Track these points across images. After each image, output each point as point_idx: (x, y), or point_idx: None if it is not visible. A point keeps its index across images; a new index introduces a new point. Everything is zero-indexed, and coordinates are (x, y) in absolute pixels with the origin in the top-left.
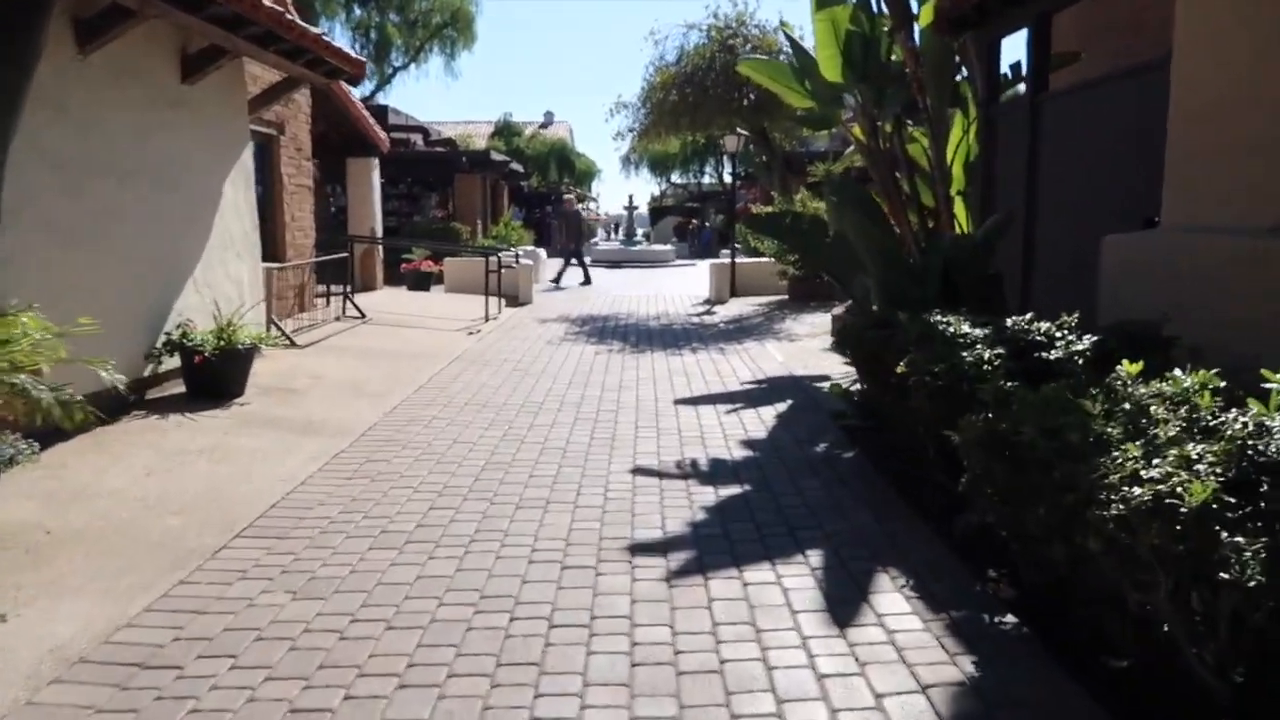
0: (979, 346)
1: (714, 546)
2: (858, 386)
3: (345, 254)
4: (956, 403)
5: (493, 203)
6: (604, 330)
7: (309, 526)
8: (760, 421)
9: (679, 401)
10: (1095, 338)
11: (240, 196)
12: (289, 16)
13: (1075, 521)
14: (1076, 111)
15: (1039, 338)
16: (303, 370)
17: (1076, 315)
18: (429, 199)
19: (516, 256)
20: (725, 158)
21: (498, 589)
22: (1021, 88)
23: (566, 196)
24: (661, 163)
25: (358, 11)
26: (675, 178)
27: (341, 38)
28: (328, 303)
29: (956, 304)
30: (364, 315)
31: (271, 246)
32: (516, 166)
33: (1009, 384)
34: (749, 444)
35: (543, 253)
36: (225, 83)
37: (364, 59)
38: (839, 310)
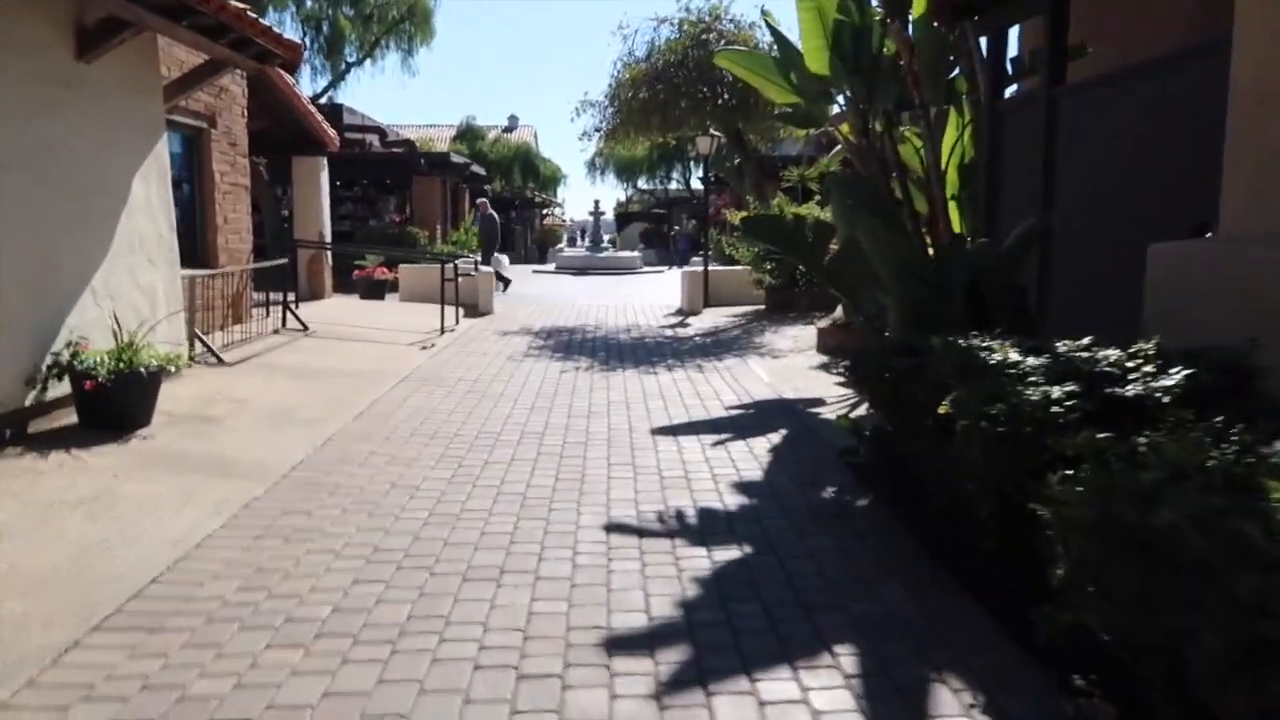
0: (1038, 380)
1: (715, 641)
2: (862, 410)
3: (284, 260)
4: (1022, 454)
5: (453, 207)
6: (571, 344)
7: (193, 612)
8: (752, 457)
9: (657, 431)
10: (1184, 370)
11: (153, 194)
12: None
13: (1275, 663)
14: (1102, 106)
15: (1107, 368)
16: (226, 393)
17: (1155, 341)
18: (386, 202)
19: (475, 263)
20: (694, 161)
21: (431, 713)
22: (1015, 85)
23: (480, 200)
24: (628, 168)
25: (309, 3)
26: (642, 183)
27: (291, 30)
28: (267, 314)
29: (986, 323)
30: (306, 328)
31: (200, 252)
32: (478, 169)
33: (1098, 433)
34: (742, 487)
35: (505, 259)
36: (134, 63)
37: (299, 42)
38: (824, 323)
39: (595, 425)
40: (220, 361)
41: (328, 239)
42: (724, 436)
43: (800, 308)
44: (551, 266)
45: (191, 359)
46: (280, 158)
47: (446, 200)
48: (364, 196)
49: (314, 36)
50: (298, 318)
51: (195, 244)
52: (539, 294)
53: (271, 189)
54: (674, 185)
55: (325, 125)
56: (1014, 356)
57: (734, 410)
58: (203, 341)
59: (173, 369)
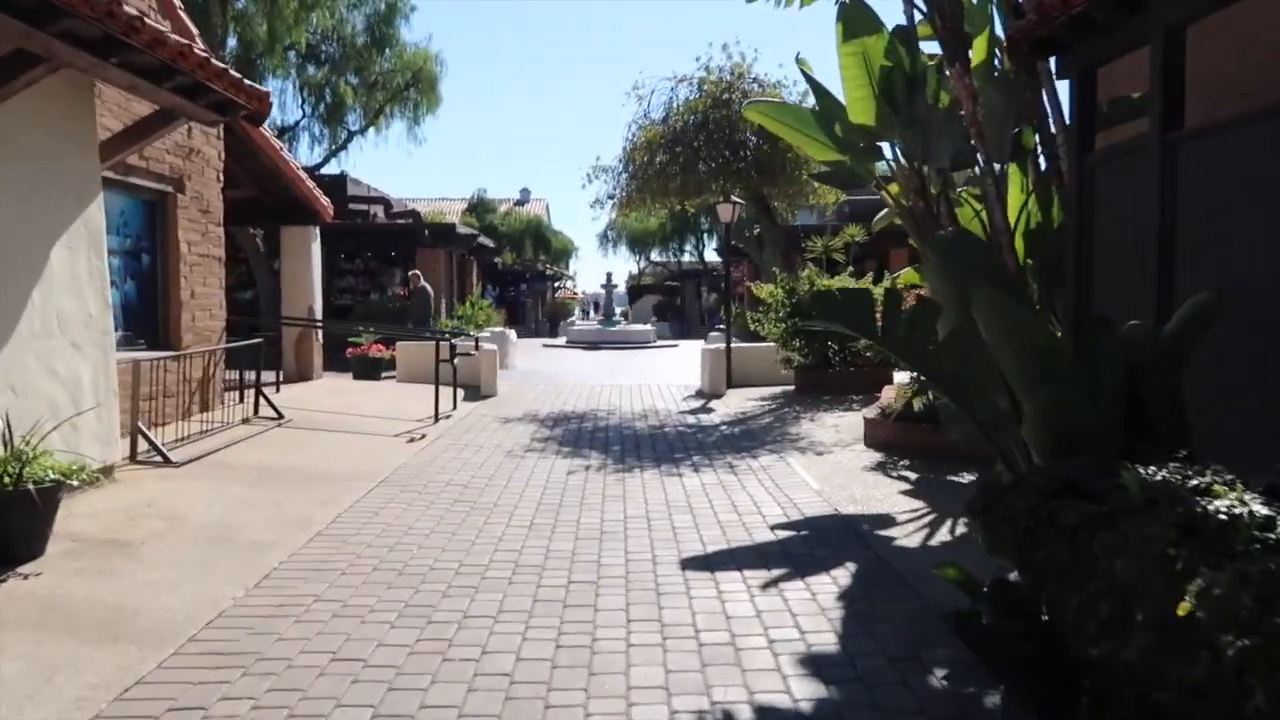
0: None
1: None
2: (946, 532)
3: (257, 340)
4: None
5: (460, 280)
6: (580, 435)
7: None
8: (819, 610)
9: (688, 564)
10: None
11: (81, 266)
12: (143, 20)
13: None
14: (1249, 151)
15: None
16: (160, 506)
17: None
18: (390, 275)
19: (476, 341)
20: (708, 233)
21: None
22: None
23: (412, 273)
24: (641, 240)
25: (310, 69)
26: (655, 255)
27: (292, 99)
28: (240, 399)
29: (1148, 438)
30: (281, 416)
31: (162, 331)
32: (486, 241)
33: None
34: (815, 667)
35: (513, 334)
36: (62, 112)
37: (265, 90)
38: (871, 411)
39: (609, 554)
40: (166, 461)
41: (318, 314)
42: (776, 574)
43: (833, 390)
44: (562, 340)
45: (135, 458)
46: (270, 227)
47: (452, 273)
48: (366, 269)
49: (314, 104)
50: (271, 405)
51: (156, 322)
52: (549, 371)
53: (268, 261)
54: (687, 257)
55: (318, 193)
56: (1258, 510)
57: (782, 531)
58: (147, 438)
59: (75, 482)
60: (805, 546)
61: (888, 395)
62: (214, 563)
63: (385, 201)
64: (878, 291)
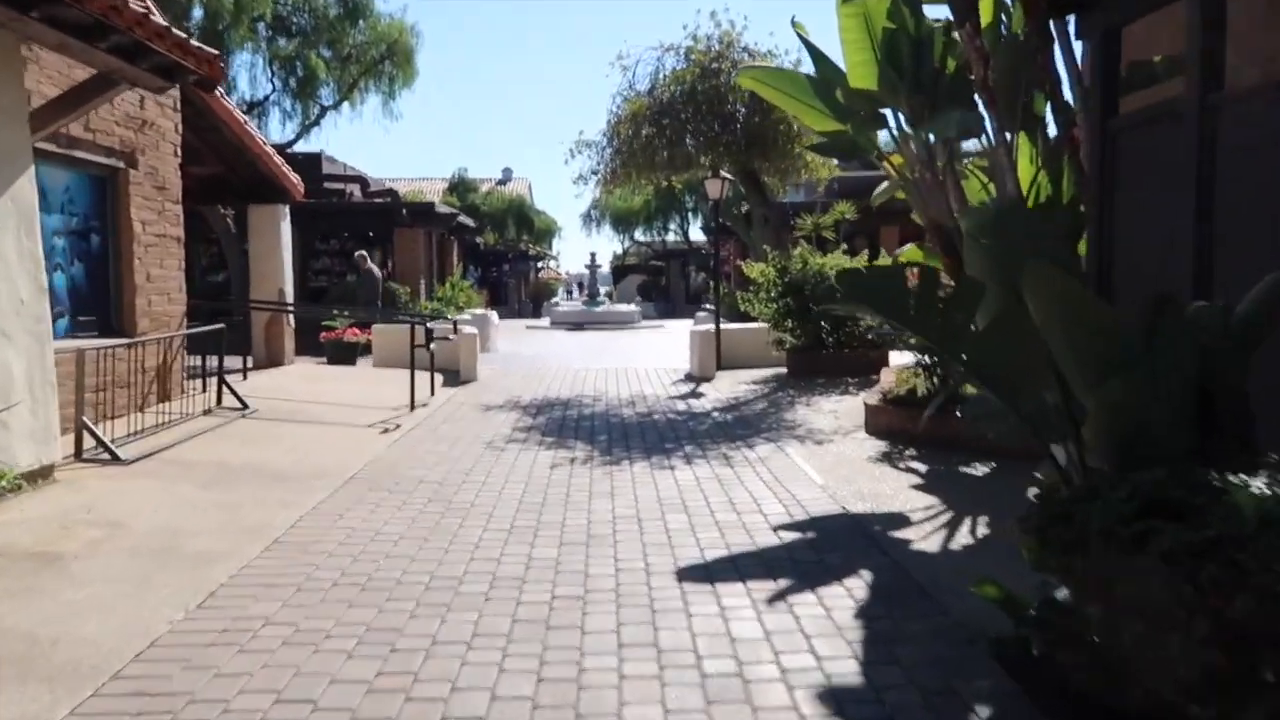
0: None
1: None
2: (966, 534)
3: (219, 325)
4: None
5: (440, 261)
6: (564, 423)
7: None
8: (835, 630)
9: (685, 574)
10: None
11: (9, 246)
12: None
13: None
14: None
15: None
16: (100, 511)
17: None
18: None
19: (455, 324)
20: (692, 212)
21: None
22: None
23: (359, 254)
24: (625, 219)
25: (281, 42)
26: (639, 235)
27: (261, 73)
28: (203, 388)
29: (1214, 434)
30: (246, 406)
31: (115, 317)
32: (466, 220)
33: None
34: (837, 705)
35: (494, 316)
36: None
37: (215, 52)
38: (871, 397)
39: (598, 563)
40: (115, 459)
41: (289, 297)
42: (783, 585)
43: (828, 372)
44: (546, 321)
45: (80, 456)
46: (239, 207)
47: (432, 253)
48: (342, 250)
49: (285, 78)
50: (235, 394)
51: (107, 307)
52: (532, 354)
53: (240, 242)
54: (672, 236)
55: (286, 170)
56: None
57: (786, 533)
58: (93, 434)
59: (4, 485)
60: (813, 551)
61: (887, 379)
62: (154, 578)
63: (362, 180)
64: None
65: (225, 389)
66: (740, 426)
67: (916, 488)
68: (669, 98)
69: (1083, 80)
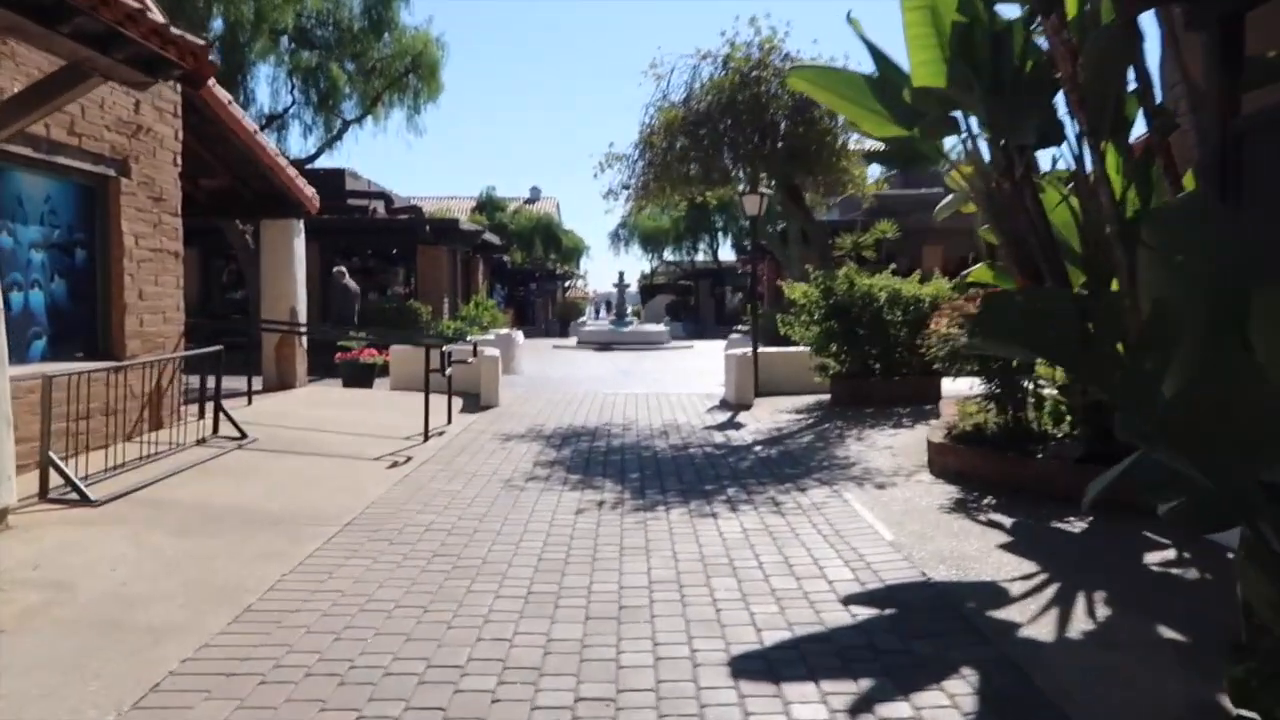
0: None
1: None
2: (1071, 610)
3: (218, 346)
4: None
5: (465, 280)
6: (591, 457)
7: None
8: None
9: (740, 668)
10: None
11: None
12: None
13: None
14: None
15: None
16: (49, 567)
17: None
18: (393, 275)
19: (475, 346)
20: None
21: None
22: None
23: (336, 269)
24: (653, 238)
25: (304, 55)
26: (668, 254)
27: (282, 85)
28: (200, 414)
29: None
30: (244, 436)
31: (102, 338)
32: (492, 238)
33: None
34: None
35: (519, 336)
36: None
37: (205, 42)
38: (936, 433)
39: (632, 648)
40: (84, 500)
41: (302, 316)
42: (865, 687)
43: (876, 401)
44: (573, 341)
45: (46, 496)
46: (249, 221)
47: (456, 272)
48: (364, 268)
49: (306, 90)
50: (233, 422)
51: (94, 328)
52: (558, 377)
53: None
54: (701, 256)
55: (301, 183)
56: None
57: (859, 608)
58: (61, 471)
59: None
60: (896, 637)
61: (948, 411)
62: (88, 664)
63: (386, 197)
64: (930, 291)
65: (222, 416)
66: (787, 464)
67: (1005, 548)
68: (705, 107)
69: (1188, 77)
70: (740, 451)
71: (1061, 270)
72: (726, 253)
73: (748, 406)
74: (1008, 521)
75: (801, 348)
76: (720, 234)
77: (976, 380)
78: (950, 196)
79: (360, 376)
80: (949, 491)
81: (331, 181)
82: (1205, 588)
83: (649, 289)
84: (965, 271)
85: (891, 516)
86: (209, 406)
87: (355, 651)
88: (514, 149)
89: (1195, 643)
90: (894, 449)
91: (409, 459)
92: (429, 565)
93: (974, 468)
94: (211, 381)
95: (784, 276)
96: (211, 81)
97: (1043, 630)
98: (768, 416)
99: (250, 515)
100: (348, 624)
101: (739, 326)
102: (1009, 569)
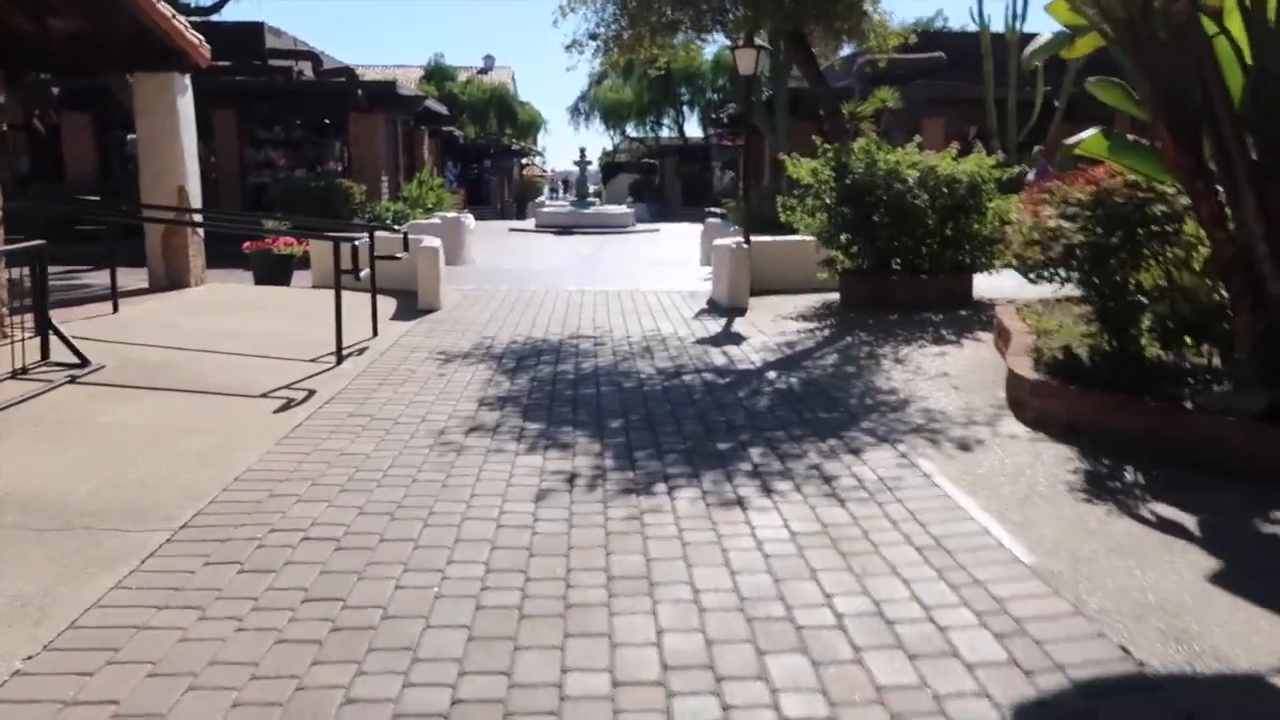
0: None
1: None
2: None
3: (40, 241)
4: None
5: (408, 155)
6: (556, 391)
7: None
8: None
9: None
10: None
11: None
12: None
13: None
14: None
15: None
16: None
17: None
18: (328, 148)
19: (405, 236)
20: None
21: None
22: None
23: (130, 137)
24: (615, 112)
25: None
26: (631, 130)
27: None
28: (38, 331)
29: None
30: (84, 362)
31: None
32: (438, 107)
33: None
34: None
35: (470, 220)
36: None
37: None
38: (1020, 361)
39: None
40: None
41: (195, 199)
42: None
43: (899, 304)
44: (531, 224)
45: None
46: (115, 74)
47: (397, 146)
48: (289, 140)
49: None
50: (67, 343)
51: None
52: (514, 269)
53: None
54: (666, 132)
55: (182, 25)
56: None
57: None
58: None
59: None
60: None
61: (1012, 324)
62: None
63: (315, 58)
64: (967, 168)
65: (54, 335)
66: (818, 401)
67: (1222, 581)
68: None
69: None
70: (750, 380)
71: (1238, 128)
72: (693, 128)
73: (742, 310)
74: (1189, 521)
75: (801, 237)
76: (686, 108)
77: (1019, 279)
78: (1047, 36)
79: (275, 271)
80: (1063, 455)
81: (246, 38)
82: None
83: (611, 167)
84: (1069, 140)
85: (1007, 509)
86: (75, 309)
87: None
88: (466, 12)
89: None
90: (951, 376)
91: (310, 394)
92: (293, 619)
93: (1091, 418)
94: (94, 281)
95: (769, 151)
96: None
97: None
98: (770, 325)
99: (33, 509)
100: None
101: (715, 209)
102: (1252, 633)
